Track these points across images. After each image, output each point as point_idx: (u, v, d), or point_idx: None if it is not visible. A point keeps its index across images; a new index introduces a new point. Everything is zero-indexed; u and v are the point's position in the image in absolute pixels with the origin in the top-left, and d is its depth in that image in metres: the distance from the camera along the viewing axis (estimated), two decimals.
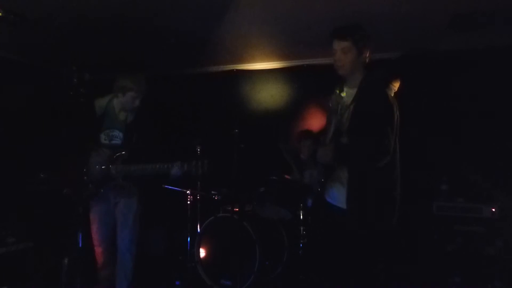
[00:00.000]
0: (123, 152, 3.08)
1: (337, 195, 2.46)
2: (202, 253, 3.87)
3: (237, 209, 3.75)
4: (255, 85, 5.03)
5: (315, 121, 4.69)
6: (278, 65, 4.89)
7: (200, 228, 3.97)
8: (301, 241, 3.92)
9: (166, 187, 4.04)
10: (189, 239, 4.02)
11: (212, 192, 4.13)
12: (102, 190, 3.10)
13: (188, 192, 4.01)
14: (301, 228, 3.94)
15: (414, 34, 3.80)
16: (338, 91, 2.42)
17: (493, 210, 3.52)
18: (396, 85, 2.43)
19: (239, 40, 4.12)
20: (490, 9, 3.25)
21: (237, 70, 5.02)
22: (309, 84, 4.77)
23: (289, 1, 3.21)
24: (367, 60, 2.40)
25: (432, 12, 3.32)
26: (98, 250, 3.23)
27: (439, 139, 3.97)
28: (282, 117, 4.83)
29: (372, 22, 3.49)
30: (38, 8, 3.33)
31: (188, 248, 4.01)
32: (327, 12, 3.37)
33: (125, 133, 3.12)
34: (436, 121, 4.02)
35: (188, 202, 4.03)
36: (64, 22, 3.65)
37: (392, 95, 2.38)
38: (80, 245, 2.81)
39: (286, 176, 4.25)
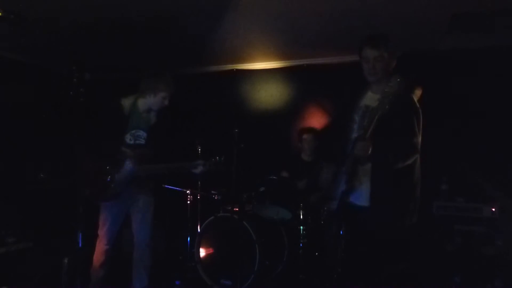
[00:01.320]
0: (149, 152, 3.15)
1: (357, 193, 2.53)
2: (202, 252, 3.87)
3: (237, 209, 3.75)
4: (255, 85, 5.03)
5: (316, 119, 4.71)
6: (277, 64, 4.89)
7: (200, 228, 3.97)
8: (301, 240, 3.92)
9: (166, 187, 4.05)
10: (189, 239, 4.02)
11: (212, 192, 4.13)
12: (124, 191, 3.12)
13: (188, 191, 4.01)
14: (301, 228, 3.94)
15: (414, 34, 3.80)
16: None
17: (493, 209, 3.52)
18: (418, 92, 2.51)
19: (239, 40, 4.12)
20: (490, 9, 3.25)
21: (237, 69, 5.03)
22: (308, 83, 4.77)
23: (288, 1, 3.21)
24: (392, 66, 2.56)
25: (432, 12, 3.32)
26: (104, 248, 3.23)
27: (439, 139, 3.96)
28: (282, 116, 4.84)
29: (372, 21, 3.51)
30: (38, 8, 3.33)
31: (188, 247, 4.02)
32: (326, 12, 3.37)
33: (148, 133, 3.19)
34: (435, 121, 4.01)
35: (188, 202, 4.03)
36: (64, 22, 3.65)
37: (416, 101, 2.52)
38: (80, 245, 2.81)
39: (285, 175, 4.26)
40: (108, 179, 3.04)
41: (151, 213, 3.30)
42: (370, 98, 2.57)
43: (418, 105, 2.45)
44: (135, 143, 3.16)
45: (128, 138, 3.14)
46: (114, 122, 3.09)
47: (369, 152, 2.34)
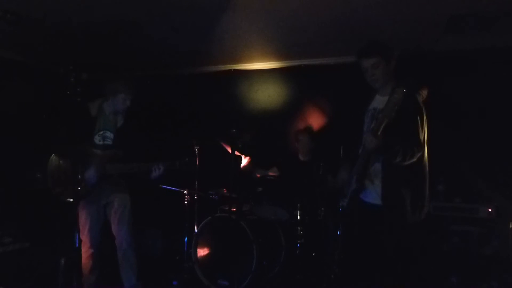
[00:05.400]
0: (117, 152, 3.24)
1: (368, 192, 2.62)
2: (200, 253, 3.86)
3: (234, 209, 3.75)
4: (253, 85, 5.03)
5: (313, 120, 4.71)
6: (275, 65, 4.89)
7: (197, 228, 3.97)
8: (298, 241, 3.93)
9: (164, 187, 4.04)
10: (186, 239, 4.02)
11: (210, 192, 4.13)
12: (95, 189, 3.17)
13: (185, 192, 4.01)
14: (298, 228, 3.94)
15: (412, 35, 3.81)
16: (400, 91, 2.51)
17: (490, 210, 3.53)
18: (424, 93, 2.58)
19: (237, 40, 4.11)
20: (488, 11, 3.26)
21: (234, 70, 5.02)
22: (306, 84, 4.78)
23: (286, 1, 3.21)
24: (393, 68, 2.62)
25: (429, 13, 3.33)
26: (89, 252, 3.28)
27: (435, 139, 3.97)
28: (279, 117, 4.84)
29: (369, 22, 3.52)
30: (36, 8, 3.33)
31: (185, 248, 4.01)
32: (324, 12, 3.37)
33: (116, 134, 3.30)
34: (432, 121, 4.03)
35: (186, 202, 4.02)
36: (62, 22, 3.64)
37: (421, 101, 2.60)
38: (77, 245, 2.83)
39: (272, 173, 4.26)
40: (78, 177, 3.09)
41: (128, 211, 3.36)
42: (378, 101, 2.67)
43: (421, 104, 2.55)
44: (104, 144, 3.27)
45: (97, 139, 3.25)
46: (81, 124, 3.19)
47: (376, 147, 2.42)
